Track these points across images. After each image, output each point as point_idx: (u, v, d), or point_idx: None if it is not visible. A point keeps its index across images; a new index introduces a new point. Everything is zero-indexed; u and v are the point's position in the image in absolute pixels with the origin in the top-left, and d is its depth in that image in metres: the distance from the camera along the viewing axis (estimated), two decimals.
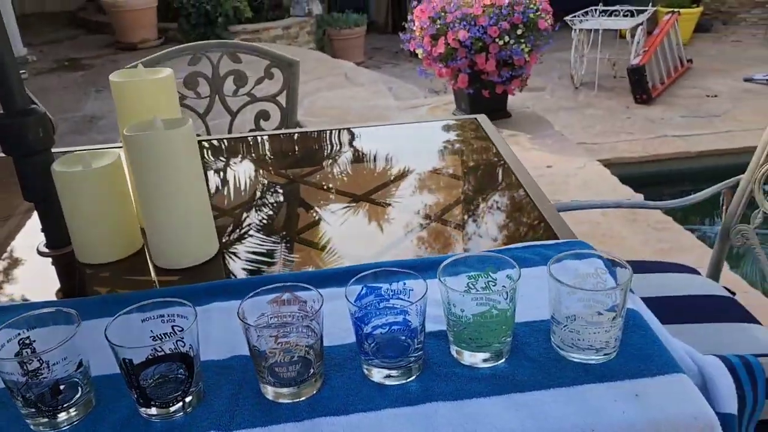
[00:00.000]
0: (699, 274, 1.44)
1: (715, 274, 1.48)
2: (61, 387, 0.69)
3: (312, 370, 0.72)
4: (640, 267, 1.47)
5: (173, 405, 0.69)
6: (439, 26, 3.80)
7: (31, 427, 0.70)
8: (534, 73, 6.69)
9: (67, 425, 0.70)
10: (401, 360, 0.73)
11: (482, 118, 1.61)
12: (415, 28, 3.98)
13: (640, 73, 5.63)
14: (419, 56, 4.07)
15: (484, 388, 0.71)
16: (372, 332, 0.74)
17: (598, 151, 4.51)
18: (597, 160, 3.75)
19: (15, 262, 1.11)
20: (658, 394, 0.69)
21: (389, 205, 1.25)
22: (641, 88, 5.67)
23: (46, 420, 0.69)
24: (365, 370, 0.75)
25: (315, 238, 1.14)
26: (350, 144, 1.63)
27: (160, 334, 0.72)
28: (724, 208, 1.48)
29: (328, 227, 1.17)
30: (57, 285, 1.05)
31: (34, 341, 0.72)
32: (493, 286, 0.77)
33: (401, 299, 0.76)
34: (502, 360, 0.75)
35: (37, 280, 1.05)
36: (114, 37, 7.13)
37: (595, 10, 6.44)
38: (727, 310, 1.30)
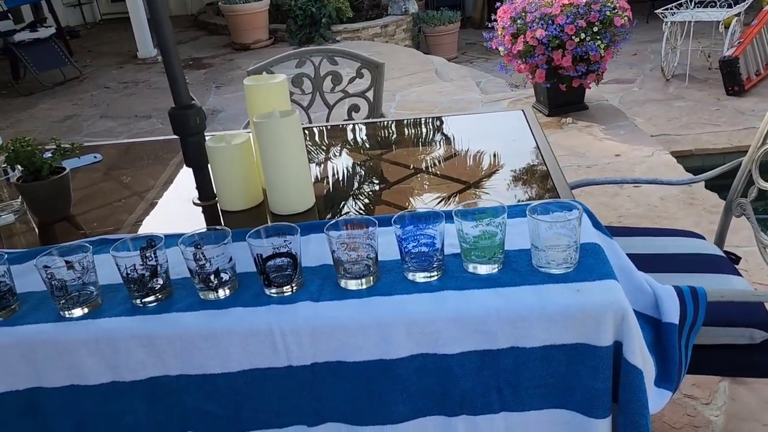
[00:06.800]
0: (704, 239, 1.72)
1: (719, 240, 1.76)
2: (220, 273, 1.14)
3: (371, 269, 1.13)
4: (653, 232, 1.77)
5: (285, 286, 1.13)
6: (519, 26, 4.11)
7: (201, 296, 1.16)
8: (626, 65, 6.79)
9: (223, 297, 1.15)
10: (428, 267, 1.13)
11: (528, 111, 1.95)
12: (497, 27, 4.31)
13: (733, 65, 5.60)
14: (501, 53, 4.39)
15: (479, 284, 1.10)
16: (411, 249, 1.14)
17: (680, 142, 4.63)
18: (672, 151, 3.91)
19: (177, 211, 1.60)
20: (592, 290, 1.05)
21: (437, 175, 1.64)
22: (733, 80, 5.65)
23: (211, 293, 1.15)
24: (404, 273, 1.15)
25: (381, 198, 1.56)
26: (412, 130, 2.03)
27: (277, 245, 1.15)
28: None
29: (390, 190, 1.58)
30: (204, 226, 1.52)
31: (202, 246, 1.17)
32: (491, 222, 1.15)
33: (430, 228, 1.16)
34: (495, 270, 1.13)
35: (192, 221, 1.54)
36: (230, 38, 7.91)
37: (690, 1, 6.42)
38: (717, 265, 1.58)
